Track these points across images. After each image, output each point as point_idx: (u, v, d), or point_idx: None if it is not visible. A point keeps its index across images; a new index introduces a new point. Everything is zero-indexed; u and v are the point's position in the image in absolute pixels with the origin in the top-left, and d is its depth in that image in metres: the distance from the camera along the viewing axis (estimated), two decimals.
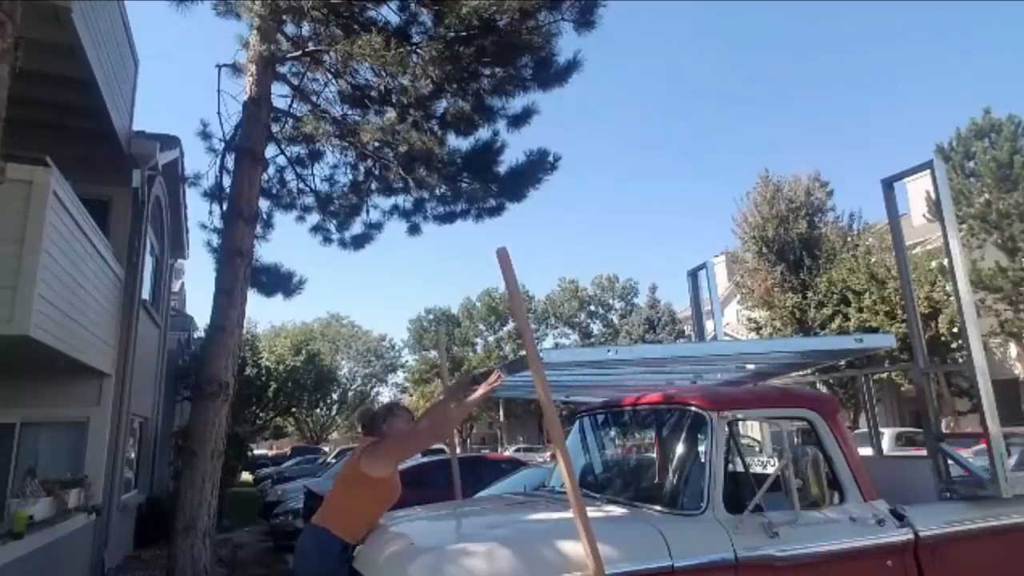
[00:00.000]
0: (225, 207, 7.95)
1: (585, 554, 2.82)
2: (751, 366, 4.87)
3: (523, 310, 3.24)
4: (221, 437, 7.00)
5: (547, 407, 3.08)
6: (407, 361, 57.08)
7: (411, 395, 55.84)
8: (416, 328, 55.87)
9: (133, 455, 10.30)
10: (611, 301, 52.73)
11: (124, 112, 8.19)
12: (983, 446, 3.91)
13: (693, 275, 6.66)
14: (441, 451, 18.95)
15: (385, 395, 64.13)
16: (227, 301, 7.24)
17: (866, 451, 5.00)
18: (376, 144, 8.46)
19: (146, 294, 10.01)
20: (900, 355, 13.49)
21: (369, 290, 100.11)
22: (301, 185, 9.73)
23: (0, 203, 5.26)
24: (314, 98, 8.80)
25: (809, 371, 6.03)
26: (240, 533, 12.55)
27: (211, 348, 7.20)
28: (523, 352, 3.15)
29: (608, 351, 3.60)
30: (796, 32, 79.63)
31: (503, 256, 3.10)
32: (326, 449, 35.80)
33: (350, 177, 9.76)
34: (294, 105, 8.82)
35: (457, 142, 9.05)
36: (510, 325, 54.58)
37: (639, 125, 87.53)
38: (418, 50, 7.76)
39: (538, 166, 8.96)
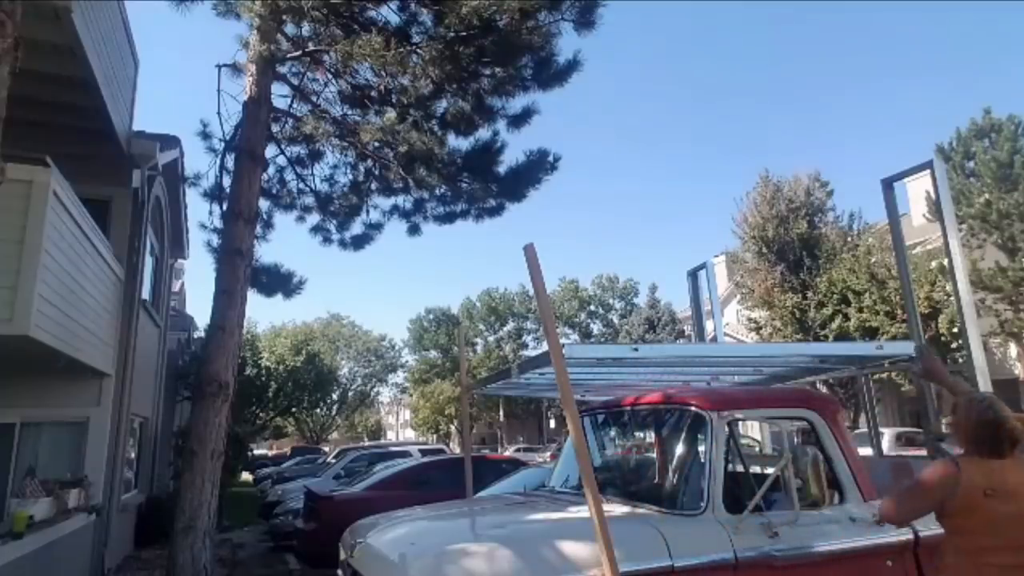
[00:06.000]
0: (225, 207, 7.95)
1: (600, 554, 2.81)
2: (768, 369, 4.89)
3: (548, 306, 3.23)
4: (221, 437, 7.00)
5: (568, 404, 3.07)
6: (407, 361, 57.17)
7: (411, 395, 55.89)
8: (416, 328, 55.89)
9: (133, 455, 10.30)
10: (611, 301, 52.78)
11: (124, 112, 8.19)
12: None
13: (693, 275, 6.67)
14: (441, 451, 18.97)
15: (385, 395, 64.27)
16: (227, 301, 7.24)
17: (866, 451, 5.01)
18: (376, 144, 8.46)
19: (146, 294, 10.00)
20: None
21: (369, 290, 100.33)
22: (301, 185, 9.74)
23: (0, 203, 5.26)
24: (314, 98, 8.81)
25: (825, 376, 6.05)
26: (240, 533, 12.55)
27: (211, 348, 7.20)
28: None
29: (632, 348, 3.63)
30: (797, 32, 79.67)
31: (530, 252, 3.11)
32: (326, 449, 35.78)
33: (350, 177, 9.77)
34: (294, 105, 8.83)
35: (457, 142, 9.07)
36: (510, 325, 54.68)
37: (639, 125, 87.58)
38: (418, 50, 7.76)
39: (538, 166, 8.96)
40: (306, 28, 8.17)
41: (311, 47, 8.17)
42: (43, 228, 5.57)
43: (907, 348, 4.32)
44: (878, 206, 33.19)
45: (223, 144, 8.77)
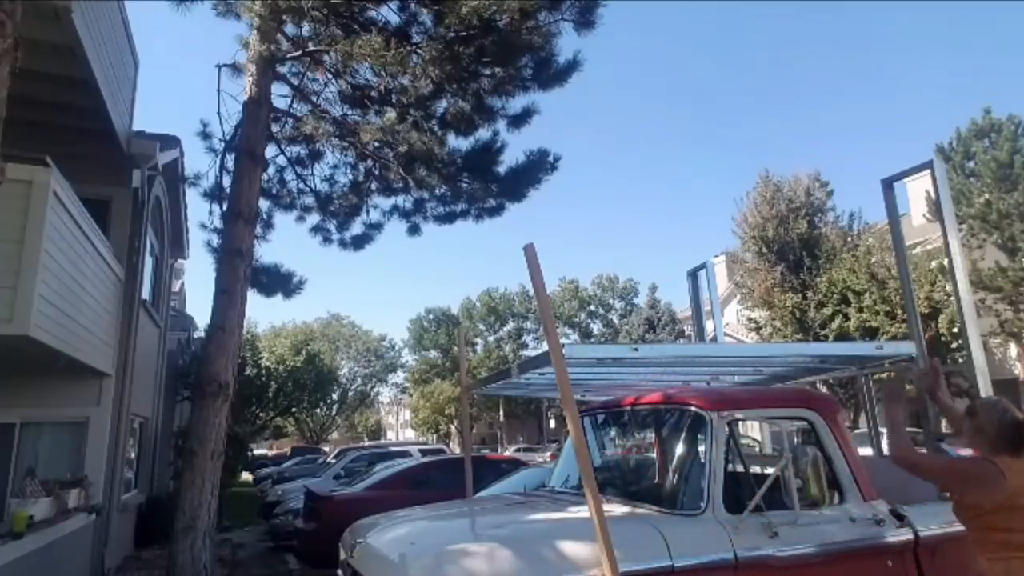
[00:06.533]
0: (225, 207, 7.95)
1: (600, 554, 2.82)
2: (768, 369, 4.89)
3: (548, 306, 3.23)
4: (221, 437, 7.00)
5: (568, 404, 3.08)
6: (407, 361, 57.18)
7: (411, 395, 55.89)
8: (416, 328, 55.88)
9: (133, 455, 10.29)
10: (611, 301, 52.77)
11: (124, 112, 8.19)
12: None
13: (693, 275, 6.68)
14: (441, 451, 18.95)
15: (385, 395, 64.29)
16: (227, 301, 7.24)
17: (866, 451, 5.01)
18: (376, 144, 8.46)
19: (146, 294, 10.00)
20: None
21: (369, 290, 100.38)
22: (301, 185, 9.74)
23: (0, 203, 5.26)
24: (314, 98, 8.80)
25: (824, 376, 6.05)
26: (240, 533, 12.55)
27: (211, 348, 7.20)
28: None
29: (632, 348, 3.63)
30: (797, 32, 79.68)
31: (530, 252, 3.11)
32: (326, 449, 35.79)
33: (350, 177, 9.77)
34: (294, 105, 8.82)
35: (457, 142, 9.07)
36: (510, 325, 54.68)
37: (639, 125, 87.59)
38: (418, 50, 7.76)
39: (538, 166, 8.96)
40: (306, 28, 8.17)
41: (311, 47, 8.17)
42: (43, 228, 5.57)
43: (907, 348, 4.32)
44: (878, 206, 33.22)
45: (223, 144, 8.78)
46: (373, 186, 9.60)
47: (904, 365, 4.61)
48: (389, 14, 8.17)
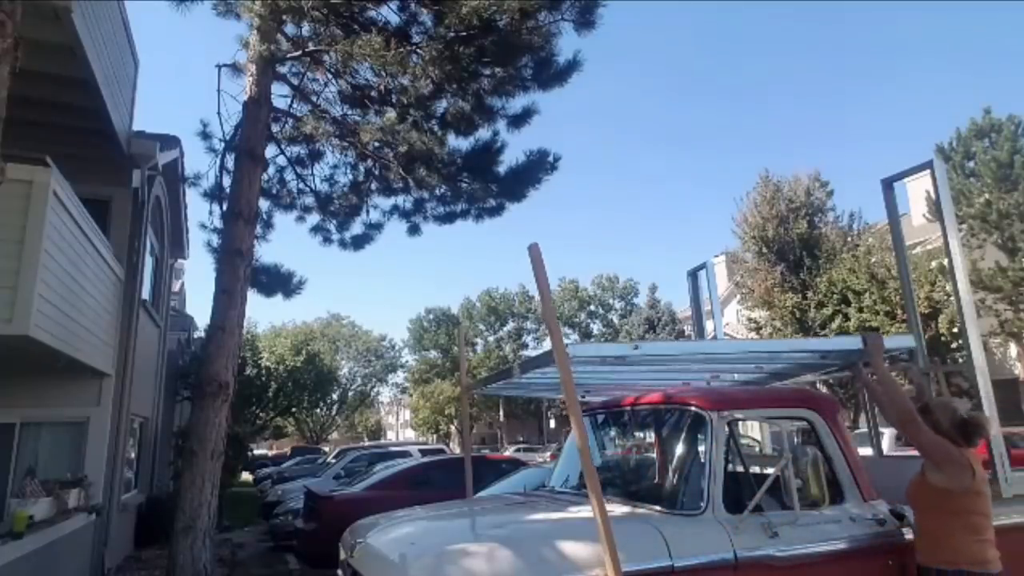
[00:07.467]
0: (225, 207, 7.95)
1: (603, 553, 2.82)
2: (768, 367, 4.87)
3: (552, 306, 3.23)
4: (221, 437, 7.00)
5: (572, 404, 3.07)
6: (407, 361, 57.22)
7: (411, 395, 55.91)
8: (416, 328, 55.92)
9: (133, 455, 10.29)
10: (611, 301, 52.84)
11: (124, 112, 8.19)
12: None
13: (693, 275, 6.66)
14: (441, 451, 18.95)
15: (385, 395, 64.33)
16: (227, 301, 7.24)
17: (866, 451, 5.00)
18: (376, 144, 8.46)
19: (146, 294, 10.00)
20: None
21: (369, 290, 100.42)
22: (301, 185, 9.74)
23: (0, 203, 5.26)
24: (314, 98, 8.80)
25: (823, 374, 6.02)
26: (240, 533, 12.55)
27: (211, 348, 7.20)
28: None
29: (633, 346, 3.63)
30: (797, 32, 79.69)
31: (535, 252, 3.11)
32: (326, 449, 35.78)
33: (350, 177, 9.77)
34: (294, 105, 8.82)
35: (457, 142, 9.07)
36: (510, 325, 54.72)
37: (639, 125, 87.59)
38: (418, 50, 7.76)
39: (538, 166, 8.96)
40: (306, 28, 8.17)
41: (311, 47, 8.16)
42: (43, 228, 5.56)
43: (907, 341, 4.33)
44: (878, 206, 33.23)
45: (223, 144, 8.78)
46: (373, 186, 9.61)
47: (905, 364, 4.60)
48: (389, 14, 8.18)
